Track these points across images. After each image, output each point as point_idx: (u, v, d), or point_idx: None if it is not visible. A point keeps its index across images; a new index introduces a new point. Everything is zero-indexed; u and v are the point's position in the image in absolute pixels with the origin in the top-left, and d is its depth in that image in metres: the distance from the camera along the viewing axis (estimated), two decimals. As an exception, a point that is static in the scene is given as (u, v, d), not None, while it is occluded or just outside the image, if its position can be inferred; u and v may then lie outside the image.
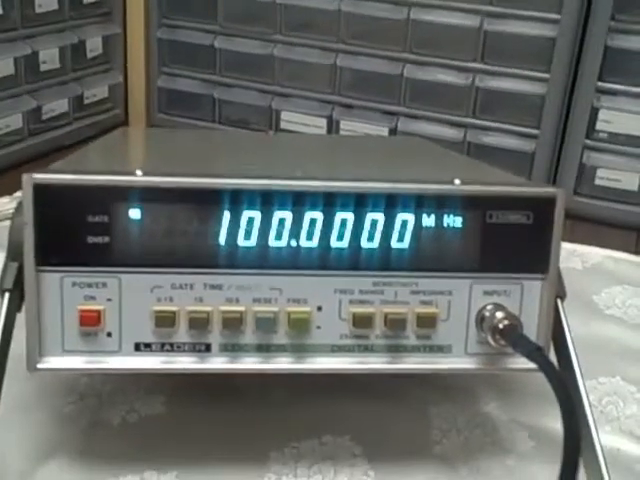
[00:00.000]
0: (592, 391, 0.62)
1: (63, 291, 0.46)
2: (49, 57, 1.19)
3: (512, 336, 0.45)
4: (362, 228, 0.47)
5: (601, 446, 0.47)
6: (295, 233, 0.46)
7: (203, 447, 0.54)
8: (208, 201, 0.46)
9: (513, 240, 0.47)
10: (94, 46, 1.28)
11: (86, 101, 1.29)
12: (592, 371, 0.64)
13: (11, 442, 0.53)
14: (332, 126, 1.21)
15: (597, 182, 1.09)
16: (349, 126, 1.20)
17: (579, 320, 0.72)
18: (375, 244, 0.47)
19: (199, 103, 1.30)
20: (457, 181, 0.47)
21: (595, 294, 0.79)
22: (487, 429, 0.57)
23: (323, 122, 1.21)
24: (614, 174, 1.08)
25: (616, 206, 1.08)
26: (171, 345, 0.47)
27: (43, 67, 1.18)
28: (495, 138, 1.12)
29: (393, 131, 1.17)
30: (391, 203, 0.47)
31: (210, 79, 1.28)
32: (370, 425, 0.57)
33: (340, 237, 0.47)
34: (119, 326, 0.47)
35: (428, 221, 0.47)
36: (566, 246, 0.89)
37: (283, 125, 1.24)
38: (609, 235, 1.05)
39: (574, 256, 0.89)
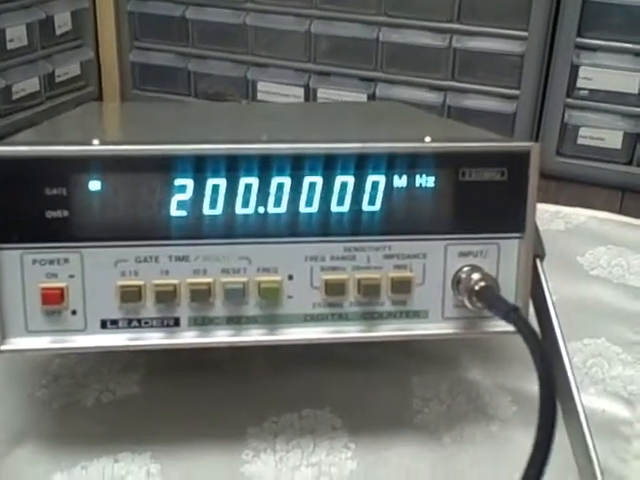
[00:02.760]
0: (576, 353, 0.61)
1: (23, 269, 0.44)
2: (16, 35, 1.16)
3: (488, 297, 0.44)
4: (331, 192, 0.45)
5: (583, 408, 0.46)
6: (262, 199, 0.45)
7: (179, 425, 0.52)
8: (170, 169, 0.44)
9: (488, 198, 0.46)
10: (63, 22, 1.25)
11: (58, 79, 1.27)
12: (576, 333, 0.63)
13: (-19, 427, 0.52)
14: (309, 95, 1.19)
15: (580, 141, 1.08)
16: (326, 94, 1.18)
17: (563, 281, 0.71)
18: (345, 208, 0.45)
19: (173, 77, 1.28)
20: (428, 138, 0.45)
21: (579, 255, 0.78)
22: (470, 396, 0.56)
23: (300, 91, 1.19)
24: (597, 132, 1.06)
25: (600, 165, 1.07)
26: (138, 321, 0.45)
27: (10, 45, 1.16)
28: (475, 100, 1.10)
29: (372, 97, 1.15)
30: (361, 164, 0.45)
31: (183, 52, 1.26)
32: (350, 396, 0.55)
33: (309, 202, 0.45)
34: (83, 303, 0.45)
35: (400, 182, 0.45)
36: (549, 208, 0.88)
37: (260, 96, 1.22)
38: (593, 195, 1.04)
39: (558, 217, 0.87)
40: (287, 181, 0.45)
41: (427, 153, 0.45)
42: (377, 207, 0.45)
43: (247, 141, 0.45)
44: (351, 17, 1.14)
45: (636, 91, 1.03)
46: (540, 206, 0.86)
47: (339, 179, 0.45)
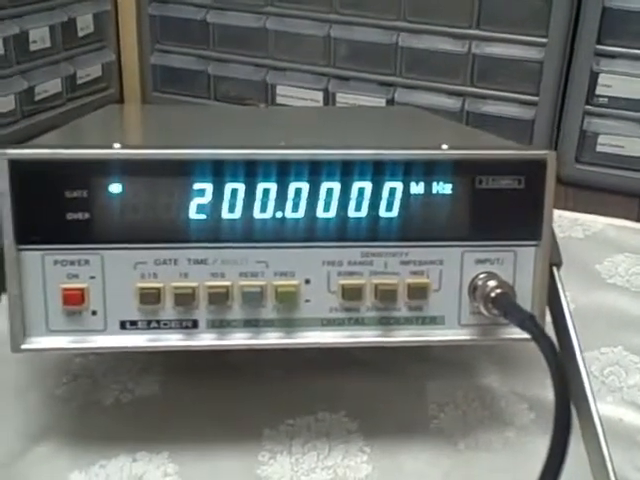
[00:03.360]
0: (594, 362, 0.61)
1: (45, 270, 0.45)
2: (39, 36, 1.17)
3: (504, 305, 0.44)
4: (349, 197, 0.45)
5: (599, 417, 0.46)
6: (280, 204, 0.45)
7: (196, 426, 0.53)
8: (189, 173, 0.44)
9: (504, 206, 0.46)
10: (85, 24, 1.26)
11: (79, 81, 1.27)
12: (594, 341, 0.63)
13: (3, 424, 0.52)
14: (328, 99, 1.19)
15: (599, 149, 1.07)
16: (345, 98, 1.18)
17: (581, 290, 0.70)
18: (363, 214, 0.46)
19: (193, 80, 1.28)
20: (444, 146, 0.45)
21: (597, 263, 0.78)
22: (486, 402, 0.56)
23: (319, 95, 1.19)
24: (616, 140, 1.06)
25: (619, 173, 1.06)
26: (157, 322, 0.46)
27: (33, 47, 1.17)
28: (494, 106, 1.10)
29: (390, 102, 1.15)
30: (378, 170, 0.45)
31: (204, 55, 1.26)
32: (366, 401, 0.56)
33: (327, 207, 0.45)
34: (104, 304, 0.45)
35: (417, 188, 0.46)
36: (568, 215, 0.88)
37: (279, 100, 1.22)
38: (612, 203, 1.03)
39: (576, 225, 0.87)
40: (305, 186, 0.45)
41: (444, 160, 0.45)
42: (394, 213, 0.46)
43: (265, 146, 0.45)
44: (371, 22, 1.14)
45: (656, 99, 1.02)
46: (558, 213, 0.86)
47: (356, 185, 0.45)
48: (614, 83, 1.03)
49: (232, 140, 0.52)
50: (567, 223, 0.86)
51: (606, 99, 1.05)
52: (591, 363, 0.61)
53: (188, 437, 0.52)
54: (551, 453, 0.34)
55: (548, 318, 0.50)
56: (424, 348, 0.57)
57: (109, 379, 0.57)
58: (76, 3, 1.23)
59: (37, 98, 1.19)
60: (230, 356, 0.57)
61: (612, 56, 1.03)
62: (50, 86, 1.21)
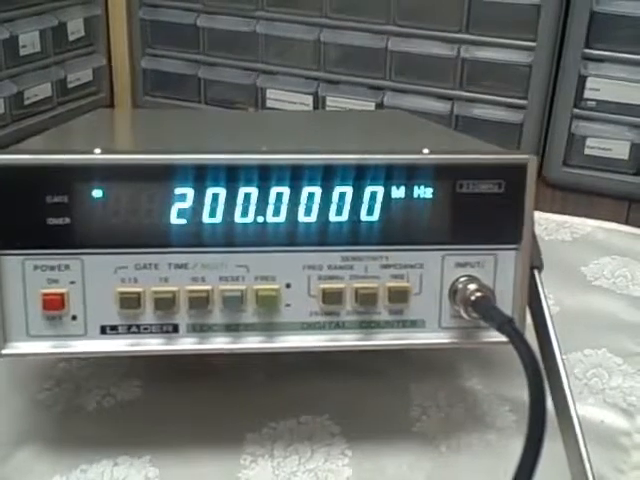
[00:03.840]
0: (577, 364, 0.61)
1: (25, 275, 0.45)
2: (29, 41, 1.18)
3: (484, 308, 0.44)
4: (330, 202, 0.45)
5: (579, 419, 0.46)
6: (261, 209, 0.45)
7: (178, 430, 0.53)
8: (170, 178, 0.44)
9: (485, 210, 0.46)
10: (75, 28, 1.26)
11: (70, 85, 1.28)
12: (578, 343, 0.63)
13: (-16, 430, 0.52)
14: (318, 102, 1.19)
15: (587, 152, 1.07)
16: (335, 102, 1.18)
17: (566, 292, 0.71)
18: (344, 218, 0.46)
19: (184, 84, 1.29)
20: (425, 150, 0.46)
21: (584, 265, 0.78)
22: (468, 404, 0.56)
23: (309, 99, 1.20)
24: (604, 143, 1.06)
25: (607, 176, 1.07)
26: (138, 327, 0.46)
27: (23, 51, 1.17)
28: (483, 110, 1.11)
29: (380, 106, 1.16)
30: (359, 175, 0.45)
31: (194, 59, 1.27)
32: (349, 404, 0.56)
33: (308, 212, 0.46)
34: (84, 309, 0.46)
35: (397, 193, 0.46)
36: (556, 218, 0.88)
37: (269, 103, 1.23)
38: (600, 205, 1.04)
39: (564, 227, 0.87)
40: (286, 191, 0.45)
41: (425, 165, 0.45)
42: (375, 217, 0.46)
43: (247, 151, 0.45)
44: (360, 26, 1.14)
45: (644, 102, 1.03)
46: (546, 216, 0.87)
47: (338, 189, 0.45)
48: (602, 87, 1.04)
49: (217, 144, 0.52)
50: (554, 226, 0.86)
51: (594, 102, 1.05)
52: (574, 365, 0.61)
53: (170, 441, 0.52)
54: (524, 456, 0.34)
55: (529, 321, 0.51)
56: (406, 351, 0.58)
57: (92, 384, 0.57)
58: (66, 7, 1.23)
59: (27, 102, 1.20)
60: (212, 360, 0.57)
61: (600, 60, 1.03)
62: (40, 90, 1.21)
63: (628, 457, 0.52)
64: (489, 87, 1.11)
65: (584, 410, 0.54)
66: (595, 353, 0.63)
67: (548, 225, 0.85)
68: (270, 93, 1.22)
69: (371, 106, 1.15)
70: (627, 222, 0.94)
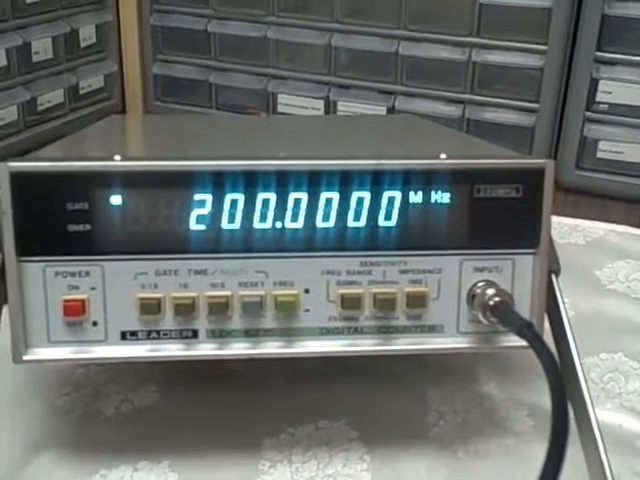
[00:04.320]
0: (593, 368, 0.61)
1: (46, 281, 0.45)
2: (42, 47, 1.18)
3: (502, 313, 0.44)
4: (348, 207, 0.46)
5: (598, 423, 0.46)
6: (280, 214, 0.45)
7: (197, 435, 0.53)
8: (189, 185, 0.45)
9: (502, 215, 0.46)
10: (87, 35, 1.27)
11: (82, 91, 1.28)
12: (593, 348, 0.63)
13: (3, 435, 0.53)
14: (329, 107, 1.19)
15: (599, 155, 1.07)
16: (346, 107, 1.18)
17: (581, 296, 0.71)
18: (362, 223, 0.46)
19: (195, 89, 1.29)
20: (443, 155, 0.46)
21: (598, 269, 0.78)
22: (485, 409, 0.56)
23: (320, 104, 1.20)
24: (616, 146, 1.06)
25: (619, 179, 1.07)
26: (157, 332, 0.46)
27: (36, 58, 1.18)
28: (494, 114, 1.10)
29: (391, 110, 1.16)
30: (377, 180, 0.46)
31: (205, 64, 1.27)
32: (367, 409, 0.56)
33: (326, 217, 0.46)
34: (104, 315, 0.46)
35: (415, 198, 0.46)
36: (569, 221, 0.88)
37: (280, 108, 1.23)
38: (613, 209, 1.03)
39: (576, 231, 0.87)
40: (304, 197, 0.45)
41: (442, 170, 0.45)
42: (393, 222, 0.46)
43: (265, 157, 0.46)
44: (371, 31, 1.14)
45: (656, 105, 1.03)
46: (559, 219, 0.87)
47: (355, 195, 0.46)
48: (614, 90, 1.04)
49: (232, 150, 0.53)
50: (567, 230, 0.86)
51: (606, 106, 1.05)
52: (591, 369, 0.61)
53: (189, 446, 0.52)
54: (548, 460, 0.34)
55: (547, 325, 0.51)
56: (424, 356, 0.58)
57: (110, 389, 0.57)
58: (78, 14, 1.24)
59: (40, 109, 1.20)
60: (230, 365, 0.58)
61: (612, 63, 1.03)
62: (52, 97, 1.22)
63: (646, 461, 0.52)
64: (500, 91, 1.11)
65: (602, 415, 0.54)
66: (611, 357, 0.63)
67: (561, 229, 0.85)
68: (281, 98, 1.22)
69: (382, 110, 1.15)
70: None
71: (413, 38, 1.12)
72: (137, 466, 0.50)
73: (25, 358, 0.45)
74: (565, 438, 0.34)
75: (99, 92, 1.30)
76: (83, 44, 1.25)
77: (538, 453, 0.51)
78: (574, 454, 0.46)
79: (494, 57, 1.09)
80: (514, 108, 1.10)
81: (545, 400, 0.56)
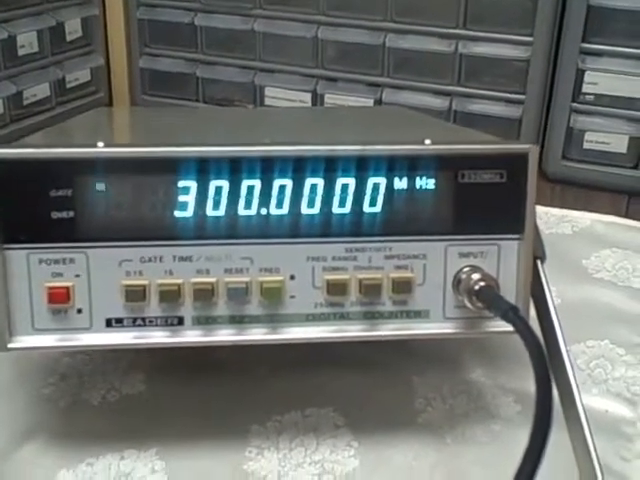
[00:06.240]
0: (580, 355, 0.61)
1: (30, 269, 0.45)
2: (27, 41, 1.18)
3: (488, 297, 0.44)
4: (333, 193, 0.46)
5: (584, 408, 0.47)
6: (265, 201, 0.45)
7: (184, 423, 0.53)
8: (173, 171, 0.45)
9: (487, 200, 0.46)
10: (73, 28, 1.26)
11: (68, 85, 1.28)
12: (580, 335, 0.63)
13: (-11, 425, 0.52)
14: (317, 100, 1.19)
15: (586, 146, 1.08)
16: (333, 99, 1.19)
17: (568, 285, 0.71)
18: (347, 209, 0.46)
19: (182, 82, 1.29)
20: (427, 141, 0.46)
21: (585, 258, 0.78)
22: (472, 395, 0.56)
23: (307, 97, 1.20)
24: (602, 137, 1.07)
25: (606, 169, 1.07)
26: (143, 320, 0.46)
27: (21, 51, 1.17)
28: (481, 105, 1.11)
29: (378, 102, 1.16)
30: (362, 166, 0.46)
31: (192, 57, 1.27)
32: (354, 396, 0.56)
33: (311, 203, 0.46)
34: (89, 302, 0.46)
35: (400, 184, 0.46)
36: (556, 211, 0.88)
37: (267, 101, 1.23)
38: (599, 199, 1.04)
39: (564, 221, 0.87)
40: (289, 183, 0.45)
41: (427, 155, 0.46)
42: (378, 208, 0.46)
43: (249, 143, 0.45)
44: (358, 23, 1.14)
45: (642, 95, 1.03)
46: (546, 210, 0.87)
47: (340, 181, 0.46)
48: (600, 80, 1.04)
49: (217, 139, 0.53)
50: (555, 220, 0.86)
51: (592, 96, 1.06)
52: (577, 356, 0.61)
53: (176, 434, 0.52)
54: (531, 444, 0.34)
55: (533, 312, 0.51)
56: (410, 343, 0.58)
57: (96, 378, 0.57)
58: (64, 8, 1.23)
59: (26, 102, 1.20)
60: (216, 353, 0.58)
61: (598, 54, 1.04)
62: (39, 90, 1.21)
63: (632, 445, 0.53)
64: (487, 82, 1.11)
65: (588, 400, 0.54)
66: (598, 344, 0.63)
67: (548, 219, 0.86)
68: (268, 91, 1.22)
69: (369, 103, 1.16)
70: (626, 215, 0.95)
71: (400, 30, 1.12)
72: (124, 454, 0.50)
73: (10, 346, 0.45)
74: (548, 421, 0.34)
75: (86, 86, 1.30)
76: (69, 37, 1.25)
77: (525, 438, 0.51)
78: (560, 438, 0.47)
79: (481, 49, 1.09)
80: (501, 99, 1.11)
81: (531, 386, 0.55)
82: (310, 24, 1.16)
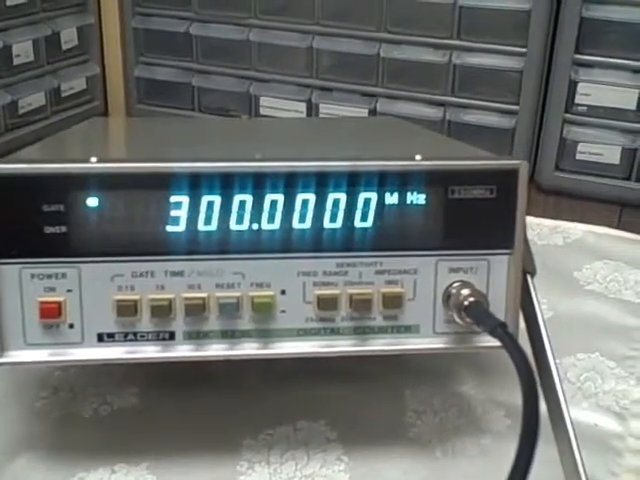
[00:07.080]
0: (570, 368, 0.62)
1: (22, 283, 0.45)
2: (23, 50, 1.18)
3: (477, 313, 0.45)
4: (324, 208, 0.46)
5: (572, 422, 0.47)
6: (256, 216, 0.46)
7: (175, 437, 0.53)
8: (165, 186, 0.45)
9: (477, 215, 0.46)
10: (69, 37, 1.27)
11: (64, 94, 1.28)
12: (571, 348, 0.64)
13: (-19, 439, 0.52)
14: (311, 110, 1.20)
15: (578, 157, 1.08)
16: (328, 109, 1.19)
17: (559, 297, 0.71)
18: (338, 224, 0.46)
19: (178, 92, 1.29)
20: (418, 157, 0.46)
21: (576, 270, 0.78)
22: (463, 409, 0.57)
23: (302, 106, 1.20)
24: (595, 148, 1.07)
25: (598, 180, 1.08)
26: (134, 334, 0.46)
27: (17, 61, 1.17)
28: (475, 116, 1.11)
29: (373, 112, 1.16)
30: (353, 182, 0.46)
31: (187, 67, 1.27)
32: (345, 410, 0.56)
33: (302, 219, 0.46)
34: (81, 317, 0.46)
35: (391, 199, 0.46)
36: (548, 222, 0.89)
37: (262, 111, 1.23)
38: (592, 210, 1.04)
39: (556, 232, 0.88)
40: (280, 198, 0.45)
41: (417, 171, 0.46)
42: (369, 224, 0.46)
43: (241, 159, 0.46)
44: (352, 33, 1.15)
45: (634, 107, 1.04)
46: (538, 221, 0.87)
47: (331, 196, 0.46)
48: (593, 92, 1.05)
49: (211, 152, 0.53)
50: (547, 231, 0.86)
51: (585, 108, 1.06)
52: (568, 369, 0.61)
53: (167, 448, 0.52)
54: (518, 459, 0.34)
55: (523, 326, 0.51)
56: (401, 357, 0.58)
57: (88, 392, 0.57)
58: (60, 17, 1.24)
59: (21, 112, 1.20)
60: (208, 367, 0.58)
61: (590, 65, 1.04)
62: (34, 99, 1.22)
63: (621, 460, 0.53)
64: (481, 93, 1.11)
65: (578, 414, 0.54)
66: (588, 357, 0.63)
67: (540, 230, 0.86)
68: (263, 101, 1.23)
69: (364, 113, 1.16)
70: (618, 226, 0.95)
71: (394, 41, 1.13)
72: (115, 468, 0.50)
73: (1, 361, 0.45)
74: (535, 438, 0.35)
75: (81, 95, 1.30)
76: (65, 47, 1.25)
77: (514, 452, 0.52)
78: (549, 454, 0.47)
79: (474, 60, 1.10)
80: (494, 110, 1.11)
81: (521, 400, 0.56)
82: (305, 34, 1.17)
